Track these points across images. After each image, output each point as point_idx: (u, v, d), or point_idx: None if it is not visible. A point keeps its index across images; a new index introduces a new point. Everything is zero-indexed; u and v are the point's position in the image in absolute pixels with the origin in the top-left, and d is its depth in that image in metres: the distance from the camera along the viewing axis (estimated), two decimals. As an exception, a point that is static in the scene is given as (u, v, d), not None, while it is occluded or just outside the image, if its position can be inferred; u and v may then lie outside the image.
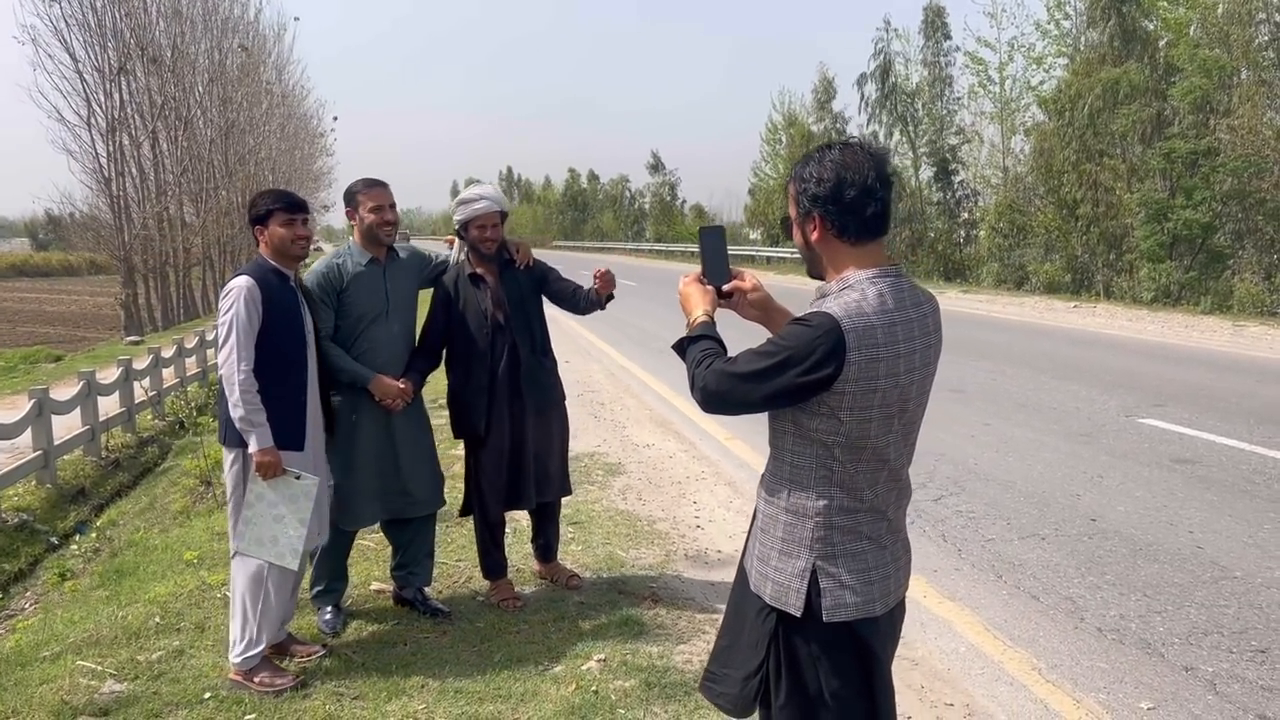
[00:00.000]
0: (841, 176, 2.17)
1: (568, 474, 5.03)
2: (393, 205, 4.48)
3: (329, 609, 4.54)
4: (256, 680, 3.89)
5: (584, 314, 4.86)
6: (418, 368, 4.61)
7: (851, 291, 2.17)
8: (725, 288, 2.43)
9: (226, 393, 3.85)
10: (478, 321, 4.61)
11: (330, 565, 4.55)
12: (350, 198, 4.48)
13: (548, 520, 5.04)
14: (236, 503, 3.95)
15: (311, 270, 4.46)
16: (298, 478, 3.90)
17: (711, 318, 2.39)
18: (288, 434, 3.93)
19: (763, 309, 2.47)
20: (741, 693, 2.36)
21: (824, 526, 2.23)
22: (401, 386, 4.43)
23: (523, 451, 4.72)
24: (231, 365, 3.81)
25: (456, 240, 4.76)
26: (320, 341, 4.25)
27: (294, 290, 4.08)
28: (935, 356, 2.29)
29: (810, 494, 2.23)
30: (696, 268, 2.48)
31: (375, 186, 4.47)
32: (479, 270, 4.67)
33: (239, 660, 3.92)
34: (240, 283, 3.90)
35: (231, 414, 3.83)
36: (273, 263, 4.04)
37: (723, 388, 2.20)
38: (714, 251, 2.44)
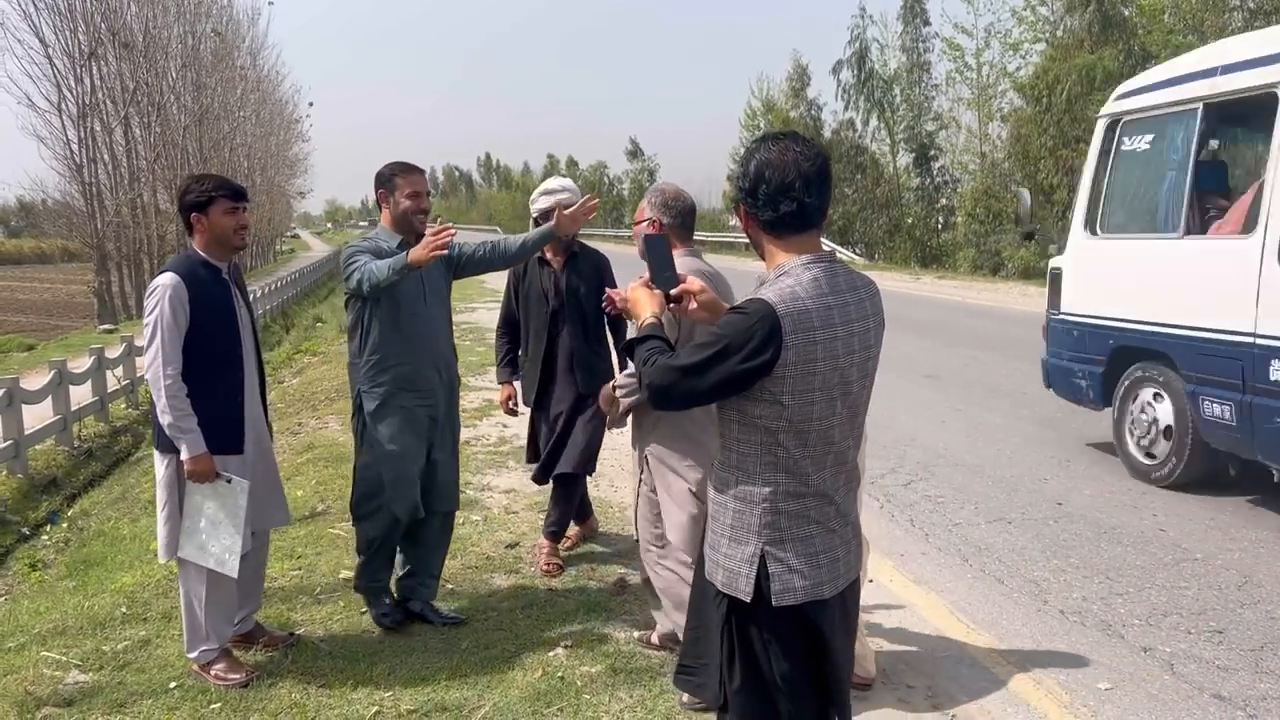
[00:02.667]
0: (760, 173, 2.24)
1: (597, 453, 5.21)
2: (429, 193, 4.31)
3: (385, 601, 4.39)
4: (213, 673, 3.85)
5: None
6: (505, 348, 5.29)
7: (787, 278, 2.22)
8: (673, 292, 2.49)
9: (154, 396, 3.66)
10: (539, 301, 5.06)
11: (382, 559, 4.37)
12: (386, 181, 4.21)
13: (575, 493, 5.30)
14: (171, 510, 3.78)
15: (355, 242, 4.24)
16: (228, 481, 3.75)
17: (659, 320, 2.44)
18: (224, 437, 3.76)
19: (711, 310, 2.51)
20: (720, 681, 2.37)
21: (771, 512, 2.26)
22: (440, 232, 3.94)
23: (569, 425, 5.01)
24: (157, 370, 3.61)
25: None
26: (365, 265, 3.98)
27: (227, 284, 3.85)
28: (877, 339, 2.33)
29: (757, 480, 2.26)
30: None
31: (413, 172, 4.25)
32: (547, 254, 5.01)
33: (195, 655, 3.88)
34: (164, 281, 3.65)
35: (160, 420, 3.66)
36: (203, 255, 3.79)
37: (668, 381, 2.23)
38: (660, 257, 2.52)
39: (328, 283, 38.39)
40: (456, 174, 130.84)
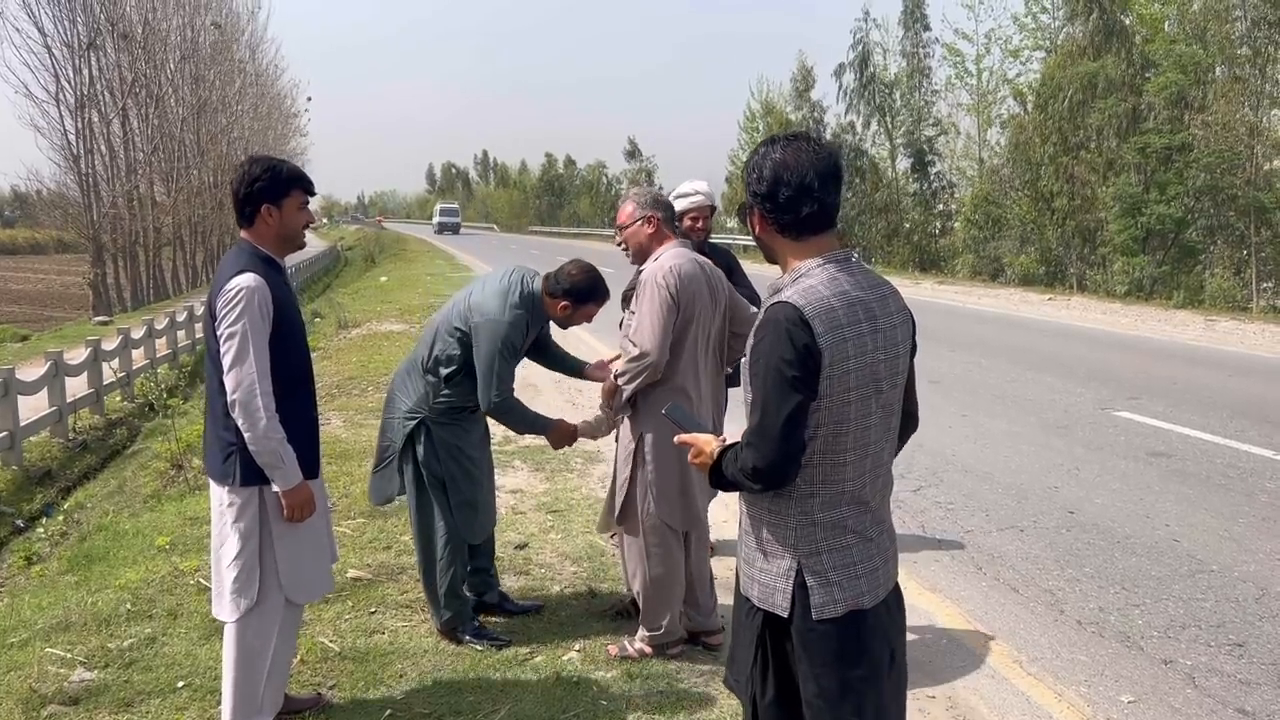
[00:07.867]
0: (778, 175, 2.19)
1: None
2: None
3: (472, 625, 4.22)
4: None
5: None
6: None
7: (805, 279, 2.18)
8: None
9: (246, 422, 3.12)
10: None
11: (460, 585, 4.23)
12: (580, 296, 4.06)
13: None
14: (253, 551, 3.24)
15: (512, 322, 3.95)
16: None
17: (721, 440, 2.38)
18: (308, 459, 3.33)
19: None
20: (749, 689, 2.33)
21: (807, 524, 2.20)
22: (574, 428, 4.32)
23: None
24: (252, 387, 3.11)
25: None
26: (507, 399, 3.97)
27: (290, 285, 3.44)
28: (904, 338, 2.27)
29: (791, 492, 2.20)
30: None
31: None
32: None
33: None
34: (247, 283, 3.14)
35: (256, 446, 3.14)
36: (265, 250, 3.30)
37: (761, 452, 2.14)
38: (684, 420, 2.58)
39: (324, 278, 38.27)
40: (453, 171, 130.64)
